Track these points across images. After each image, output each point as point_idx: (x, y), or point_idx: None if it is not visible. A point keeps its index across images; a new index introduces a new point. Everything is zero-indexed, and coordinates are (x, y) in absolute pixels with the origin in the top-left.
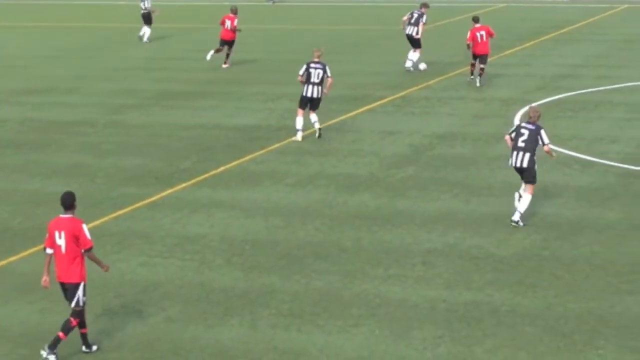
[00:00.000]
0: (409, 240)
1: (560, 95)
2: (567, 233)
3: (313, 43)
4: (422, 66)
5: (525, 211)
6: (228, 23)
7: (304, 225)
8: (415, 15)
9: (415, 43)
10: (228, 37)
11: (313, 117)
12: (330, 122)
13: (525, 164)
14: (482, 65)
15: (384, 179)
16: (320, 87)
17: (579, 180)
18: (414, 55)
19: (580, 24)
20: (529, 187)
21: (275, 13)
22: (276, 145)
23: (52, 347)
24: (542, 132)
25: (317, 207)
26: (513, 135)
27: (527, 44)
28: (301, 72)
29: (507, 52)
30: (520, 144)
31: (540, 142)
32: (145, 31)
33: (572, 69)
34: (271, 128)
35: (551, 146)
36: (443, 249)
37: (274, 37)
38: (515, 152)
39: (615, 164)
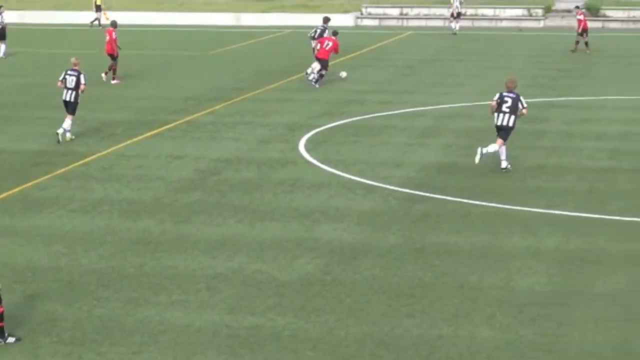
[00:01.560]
0: (193, 265)
1: (344, 120)
2: (349, 257)
3: (90, 67)
4: (343, 74)
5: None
6: (107, 37)
7: (87, 252)
8: (319, 31)
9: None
10: (108, 50)
11: (66, 123)
12: (115, 147)
13: (510, 124)
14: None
15: (170, 204)
16: (75, 92)
17: (362, 204)
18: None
19: (365, 50)
20: (501, 141)
21: (87, 36)
22: (61, 171)
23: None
24: (521, 98)
25: (101, 234)
26: (497, 101)
27: None
28: (60, 78)
29: (293, 78)
30: (505, 109)
31: (520, 106)
32: (1, 47)
33: (357, 94)
34: (56, 153)
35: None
36: (227, 274)
37: (53, 60)
38: (501, 115)
39: (397, 189)
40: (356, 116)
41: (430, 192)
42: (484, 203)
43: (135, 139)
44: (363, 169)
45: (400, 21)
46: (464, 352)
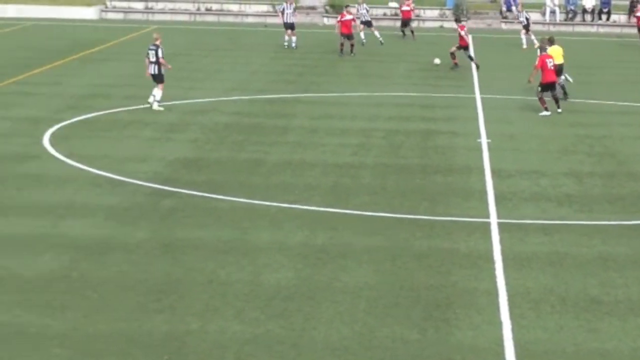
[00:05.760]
0: None
1: (90, 115)
2: (96, 253)
3: None
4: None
5: None
6: None
7: None
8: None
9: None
10: None
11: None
12: None
13: (156, 71)
14: None
15: None
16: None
17: (109, 199)
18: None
19: (110, 43)
20: None
21: None
22: None
23: None
24: (159, 50)
25: None
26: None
27: (57, 63)
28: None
29: (36, 71)
30: (152, 58)
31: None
32: None
33: (102, 89)
34: None
35: None
36: None
37: None
38: (150, 66)
39: (144, 183)
40: (102, 110)
41: (177, 187)
42: (230, 198)
43: None
44: (110, 164)
45: (145, 15)
46: (213, 347)
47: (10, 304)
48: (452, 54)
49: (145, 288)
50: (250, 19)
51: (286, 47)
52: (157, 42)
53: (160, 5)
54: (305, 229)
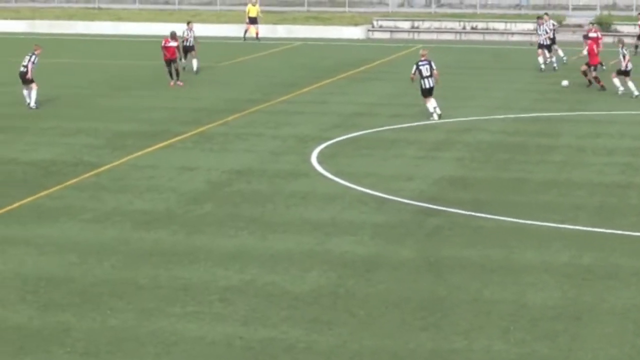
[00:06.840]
0: (206, 277)
1: (356, 133)
2: (363, 270)
3: (103, 77)
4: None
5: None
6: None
7: (100, 262)
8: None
9: None
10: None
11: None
12: (127, 158)
13: (433, 84)
14: None
15: (182, 215)
16: (431, 78)
17: (375, 217)
18: None
19: (376, 63)
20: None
21: (59, 47)
22: (73, 181)
23: None
24: (432, 63)
25: (113, 244)
26: (416, 72)
27: (324, 82)
28: (412, 71)
29: (304, 90)
30: (426, 73)
31: (434, 69)
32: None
33: (368, 107)
34: (68, 163)
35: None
36: (240, 285)
37: (63, 71)
38: (425, 80)
39: (410, 202)
40: (367, 129)
41: (442, 206)
42: (495, 217)
43: (146, 150)
44: (375, 182)
45: (411, 34)
46: None
47: (278, 320)
48: (584, 72)
49: (411, 305)
50: (515, 38)
51: (552, 67)
52: (424, 58)
53: (426, 24)
54: (571, 248)
